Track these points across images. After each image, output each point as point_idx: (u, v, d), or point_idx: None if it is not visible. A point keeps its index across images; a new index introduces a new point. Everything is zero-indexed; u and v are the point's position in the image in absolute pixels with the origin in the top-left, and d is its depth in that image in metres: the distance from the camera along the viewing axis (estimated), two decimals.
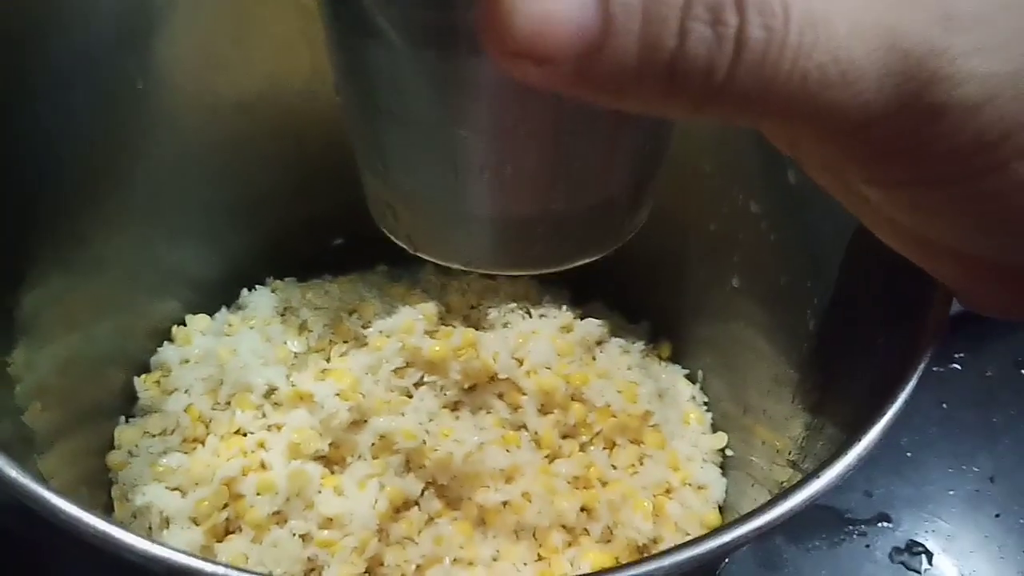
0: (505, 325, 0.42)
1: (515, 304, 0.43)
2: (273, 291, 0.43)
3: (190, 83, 0.36)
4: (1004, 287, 0.19)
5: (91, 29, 0.32)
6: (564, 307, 0.44)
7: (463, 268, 0.22)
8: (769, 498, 0.20)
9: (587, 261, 0.21)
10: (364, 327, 0.40)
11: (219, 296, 0.43)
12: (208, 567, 0.18)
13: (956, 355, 0.51)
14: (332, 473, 0.36)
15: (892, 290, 0.26)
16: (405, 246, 0.22)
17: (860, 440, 0.21)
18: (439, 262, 0.21)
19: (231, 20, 0.36)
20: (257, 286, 0.44)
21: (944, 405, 0.48)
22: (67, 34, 0.31)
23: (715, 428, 0.42)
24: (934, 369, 0.50)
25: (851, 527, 0.43)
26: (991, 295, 0.20)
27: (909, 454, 0.46)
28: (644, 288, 0.44)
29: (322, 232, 0.45)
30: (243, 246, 0.43)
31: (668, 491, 0.38)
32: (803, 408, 0.31)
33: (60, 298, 0.34)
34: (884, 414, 0.21)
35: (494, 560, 0.34)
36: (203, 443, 0.37)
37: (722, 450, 0.40)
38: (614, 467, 0.38)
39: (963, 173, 0.16)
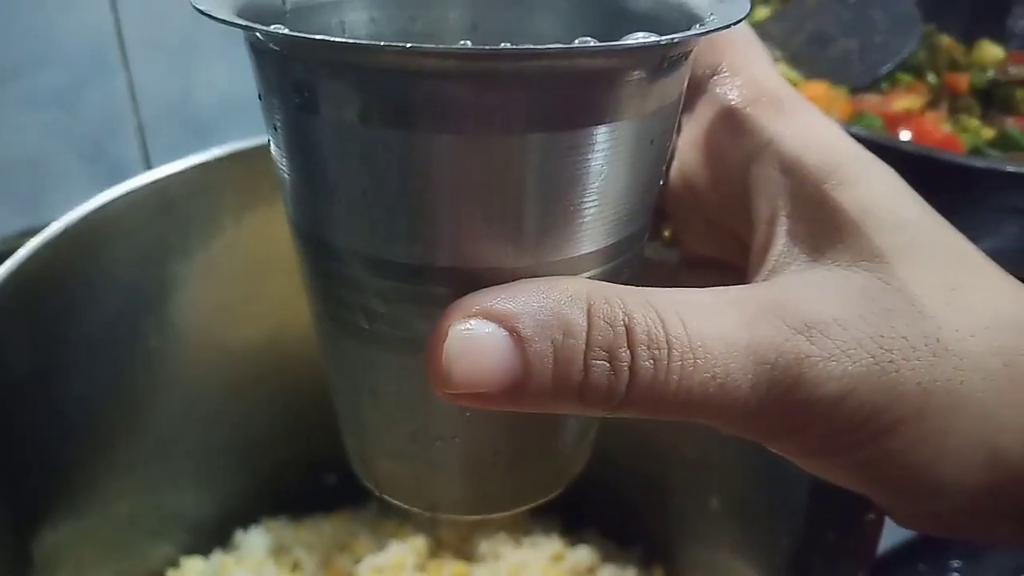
0: (496, 556, 0.42)
1: (505, 534, 0.44)
2: (267, 530, 0.44)
3: (200, 338, 0.40)
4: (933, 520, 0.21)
5: (116, 298, 0.36)
6: (554, 535, 0.44)
7: (426, 513, 0.24)
8: None
9: (538, 503, 0.24)
10: (355, 563, 0.40)
11: (214, 536, 0.44)
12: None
13: (954, 563, 0.51)
14: None
15: (847, 508, 0.27)
16: (372, 488, 0.24)
17: None
18: (404, 506, 0.24)
19: (242, 281, 0.39)
20: (251, 525, 0.44)
21: None
22: (97, 304, 0.35)
23: None
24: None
25: None
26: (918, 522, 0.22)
27: None
28: (634, 513, 0.45)
29: (316, 470, 0.46)
30: (239, 486, 0.44)
31: None
32: None
33: (71, 543, 0.35)
34: None
35: None
36: None
37: None
38: None
39: (841, 447, 0.19)
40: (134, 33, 0.64)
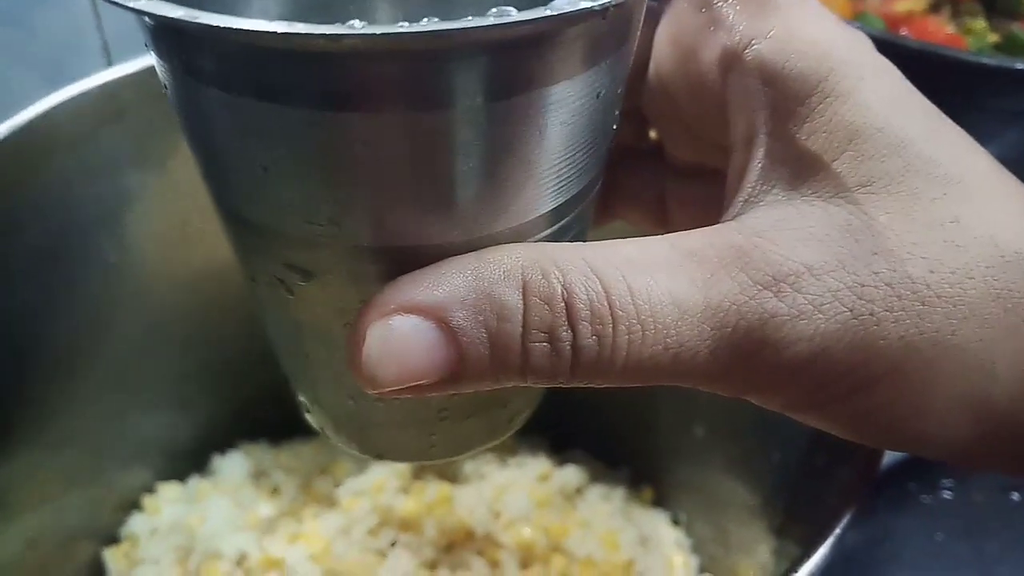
0: (481, 477, 0.41)
1: (491, 454, 0.43)
2: (245, 455, 0.43)
3: (162, 256, 0.38)
4: None
5: (67, 211, 0.34)
6: (541, 455, 0.43)
7: (375, 459, 0.23)
8: None
9: (484, 448, 0.23)
10: (336, 487, 0.39)
11: (191, 462, 0.43)
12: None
13: (944, 482, 0.51)
14: None
15: None
16: (318, 431, 0.23)
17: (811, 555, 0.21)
18: (353, 453, 0.23)
19: (206, 196, 0.37)
20: (229, 451, 0.43)
21: (937, 536, 0.47)
22: (45, 217, 0.33)
23: (703, 570, 0.40)
24: (923, 499, 0.50)
25: None
26: None
27: None
28: (622, 433, 0.44)
29: (292, 395, 0.45)
30: (214, 412, 0.43)
31: None
32: (770, 533, 0.31)
33: (29, 474, 0.34)
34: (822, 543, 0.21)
35: None
36: None
37: None
38: None
39: (814, 404, 0.17)
40: None
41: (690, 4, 0.20)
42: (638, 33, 0.18)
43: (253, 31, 0.13)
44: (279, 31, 0.13)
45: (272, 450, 0.43)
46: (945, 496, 0.49)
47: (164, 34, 0.16)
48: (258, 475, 0.42)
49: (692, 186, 0.23)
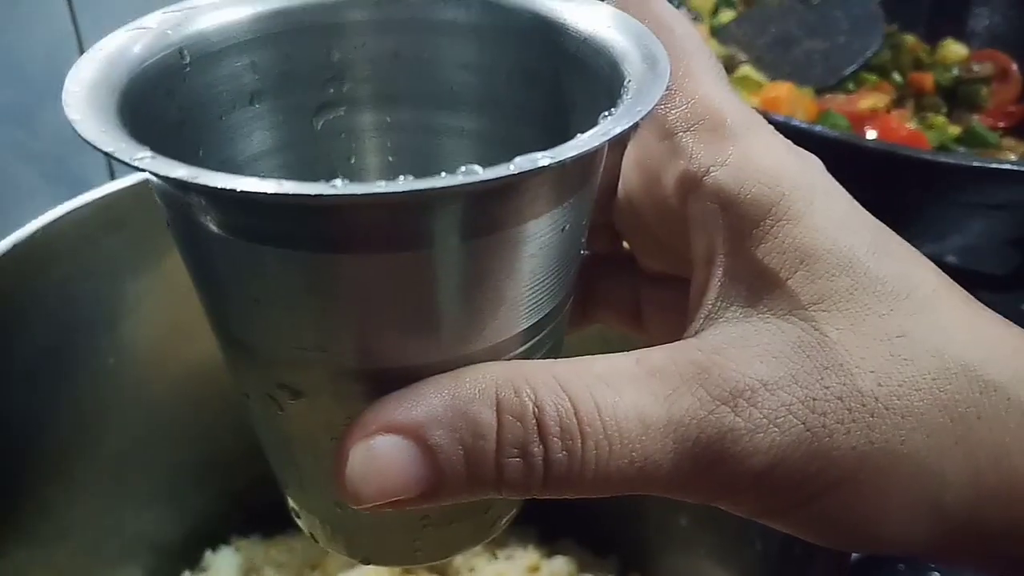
0: (471, 570, 0.42)
1: (481, 547, 0.43)
2: (237, 550, 0.43)
3: (159, 355, 0.39)
4: None
5: (69, 313, 0.35)
6: (530, 546, 0.44)
7: (362, 563, 0.24)
8: None
9: (473, 548, 0.24)
10: None
11: (182, 559, 0.43)
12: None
13: (933, 565, 0.51)
14: None
15: None
16: (307, 534, 0.24)
17: None
18: (342, 555, 0.23)
19: (198, 301, 0.39)
20: (221, 546, 0.43)
21: None
22: (47, 318, 0.34)
23: None
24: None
25: None
26: None
27: None
28: (610, 523, 0.45)
29: (284, 501, 0.45)
30: (206, 506, 0.43)
31: None
32: None
33: (23, 571, 0.34)
34: None
35: None
36: None
37: None
38: None
39: (775, 510, 0.19)
40: None
41: (653, 133, 0.21)
42: (600, 170, 0.19)
43: (248, 192, 0.14)
44: (269, 191, 0.14)
45: (263, 544, 0.44)
46: None
47: (164, 185, 0.17)
48: (249, 571, 0.42)
49: (664, 292, 0.25)
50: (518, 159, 0.15)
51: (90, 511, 0.38)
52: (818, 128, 0.41)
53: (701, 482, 0.18)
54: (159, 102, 0.19)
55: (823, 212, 0.19)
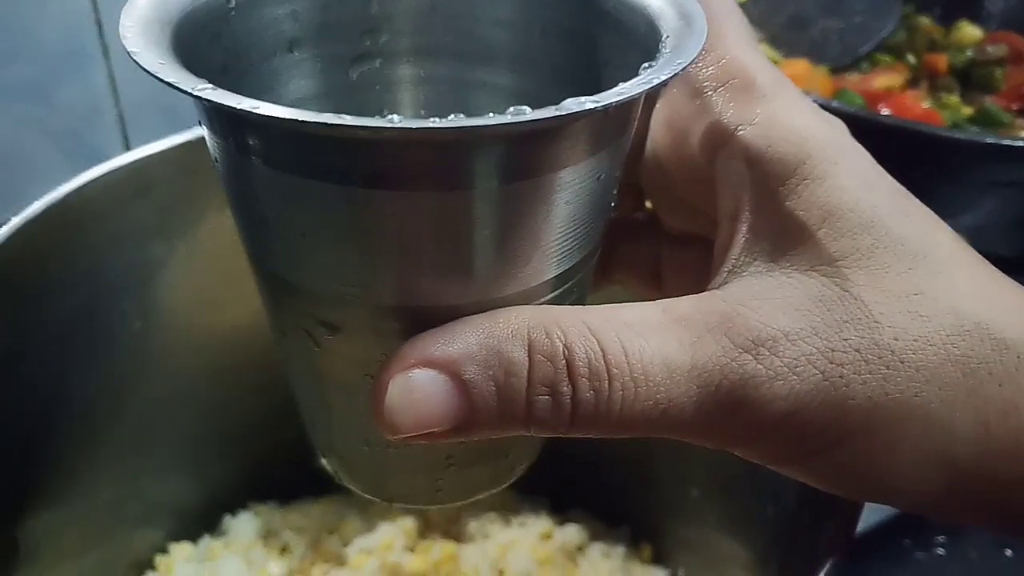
0: (485, 536, 0.42)
1: (494, 514, 0.44)
2: (255, 515, 0.44)
3: (183, 322, 0.39)
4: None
5: (96, 280, 0.35)
6: (543, 514, 0.44)
7: (385, 503, 0.25)
8: None
9: (492, 492, 0.24)
10: (345, 546, 0.40)
11: (202, 523, 0.44)
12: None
13: (938, 539, 0.51)
14: None
15: None
16: (333, 476, 0.25)
17: None
18: (366, 496, 0.24)
19: (224, 264, 0.39)
20: (239, 511, 0.44)
21: None
22: (75, 285, 0.35)
23: None
24: (917, 555, 0.50)
25: None
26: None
27: None
28: (621, 493, 0.45)
29: (304, 455, 0.46)
30: (226, 473, 0.44)
31: None
32: None
33: (53, 530, 0.35)
34: None
35: None
36: None
37: None
38: None
39: (793, 458, 0.19)
40: (114, 21, 0.63)
41: (683, 91, 0.22)
42: (635, 122, 0.20)
43: (304, 121, 0.15)
44: (328, 122, 0.15)
45: (281, 510, 0.44)
46: (939, 552, 0.50)
47: (218, 116, 0.18)
48: (268, 535, 0.43)
49: (685, 253, 0.25)
50: (566, 101, 0.15)
51: (114, 476, 0.39)
52: (834, 103, 0.42)
53: (722, 427, 0.19)
54: (205, 44, 0.20)
55: (847, 172, 0.20)
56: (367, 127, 0.15)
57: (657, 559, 0.45)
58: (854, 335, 0.18)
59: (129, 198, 0.35)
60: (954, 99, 0.59)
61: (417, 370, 0.17)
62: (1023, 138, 0.54)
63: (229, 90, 0.16)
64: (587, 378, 0.18)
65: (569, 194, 0.18)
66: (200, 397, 0.41)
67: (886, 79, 0.57)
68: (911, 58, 0.64)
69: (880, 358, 0.18)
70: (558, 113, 0.15)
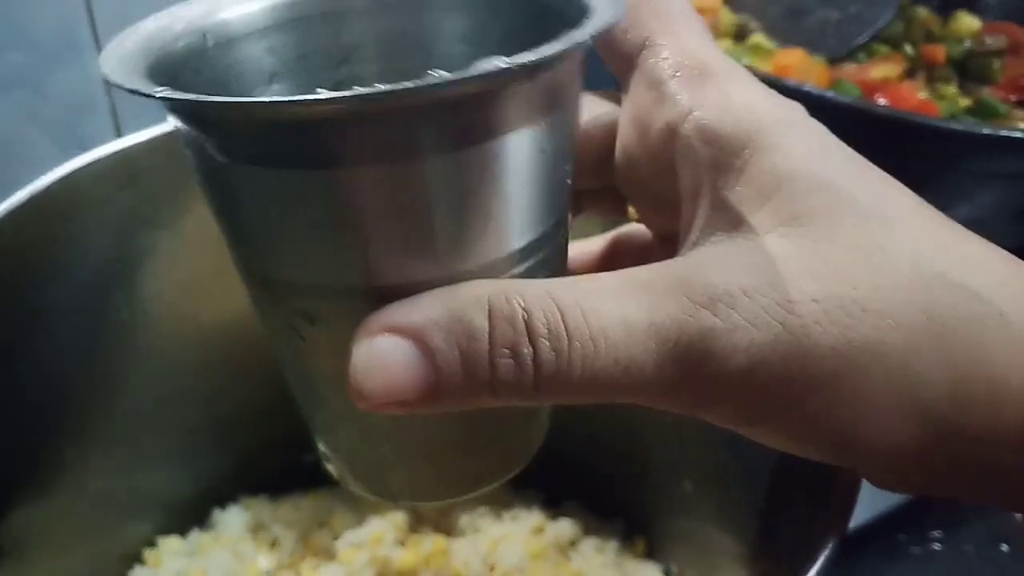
0: (477, 530, 0.42)
1: (486, 508, 0.44)
2: (244, 508, 0.44)
3: (173, 312, 0.39)
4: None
5: (84, 270, 0.35)
6: (535, 508, 0.44)
7: (388, 501, 0.25)
8: None
9: (496, 484, 0.24)
10: (335, 540, 0.40)
11: (191, 516, 0.43)
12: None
13: (934, 533, 0.51)
14: None
15: (814, 474, 0.27)
16: (335, 477, 0.25)
17: None
18: (371, 497, 0.24)
19: (214, 254, 0.39)
20: (229, 504, 0.44)
21: None
22: (63, 276, 0.34)
23: None
24: (912, 550, 0.50)
25: None
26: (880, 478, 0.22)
27: None
28: (614, 487, 0.45)
29: (294, 448, 0.46)
30: (215, 465, 0.44)
31: None
32: None
33: (43, 523, 0.35)
34: None
35: None
36: None
37: None
38: None
39: (762, 415, 0.19)
40: (106, 12, 0.63)
41: (643, 85, 0.22)
42: (574, 97, 0.20)
43: (234, 103, 0.16)
44: (254, 101, 0.16)
45: (271, 503, 0.44)
46: (935, 547, 0.50)
47: (176, 113, 0.19)
48: (257, 528, 0.42)
49: (673, 249, 0.25)
50: (479, 63, 0.17)
51: (103, 468, 0.39)
52: (830, 94, 0.42)
53: (684, 385, 0.19)
54: (189, 78, 0.21)
55: (799, 141, 0.20)
56: (293, 102, 0.16)
57: (650, 553, 0.44)
58: (812, 286, 0.18)
59: (116, 187, 0.35)
60: (951, 90, 0.58)
61: (381, 336, 0.18)
62: (1021, 129, 0.53)
63: None
64: (547, 339, 0.18)
65: (515, 163, 0.19)
66: (190, 388, 0.41)
67: (883, 69, 0.57)
68: (908, 49, 0.64)
69: (841, 307, 0.18)
70: (470, 74, 0.16)
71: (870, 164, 0.21)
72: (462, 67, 0.24)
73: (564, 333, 0.18)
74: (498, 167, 0.18)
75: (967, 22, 0.66)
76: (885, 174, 0.20)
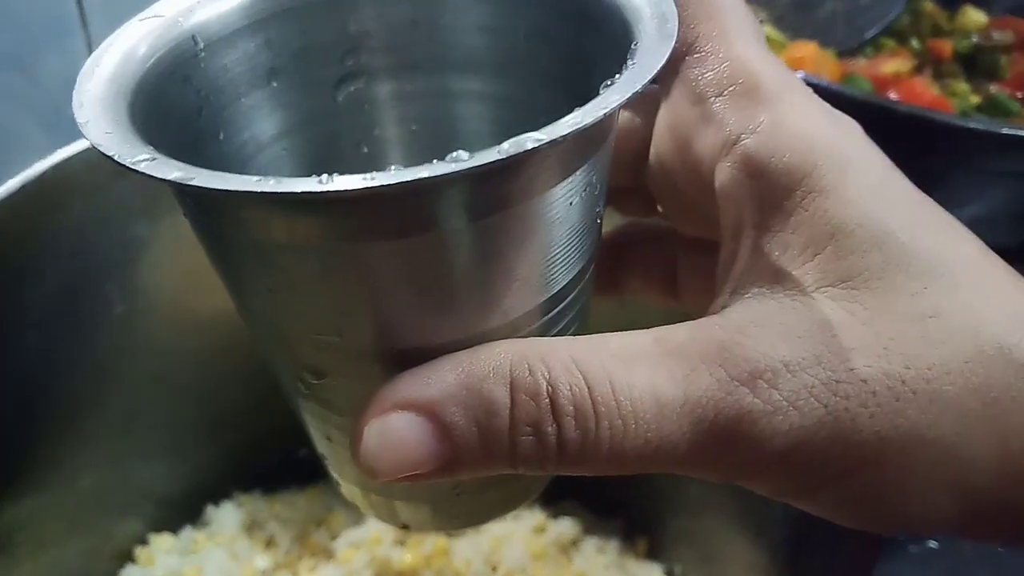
0: (477, 530, 0.41)
1: None
2: (239, 506, 0.43)
3: (167, 305, 0.38)
4: None
5: (79, 260, 0.34)
6: (536, 507, 0.43)
7: (403, 529, 0.24)
8: None
9: (508, 514, 0.24)
10: (333, 539, 0.39)
11: (183, 513, 0.43)
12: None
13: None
14: None
15: None
16: (350, 502, 0.24)
17: None
18: (384, 522, 0.24)
19: None
20: (223, 501, 0.43)
21: None
22: (58, 265, 0.33)
23: None
24: (911, 550, 0.50)
25: None
26: None
27: None
28: (616, 483, 0.44)
29: (289, 444, 0.45)
30: (209, 460, 0.43)
31: None
32: None
33: (34, 518, 0.34)
34: None
35: None
36: None
37: None
38: None
39: (795, 492, 0.18)
40: None
41: (684, 97, 0.20)
42: (611, 136, 0.19)
43: (239, 191, 0.14)
44: (257, 191, 0.14)
45: (266, 500, 0.43)
46: (932, 546, 0.50)
47: (178, 192, 0.17)
48: (252, 526, 0.42)
49: (700, 258, 0.24)
50: (506, 143, 0.15)
51: (96, 462, 0.38)
52: (847, 90, 0.40)
53: (719, 463, 0.17)
54: (176, 90, 0.19)
55: (856, 183, 0.18)
56: (295, 192, 0.14)
57: (652, 554, 0.44)
58: (861, 364, 0.17)
59: (112, 176, 0.33)
60: (963, 87, 0.58)
61: (394, 414, 0.17)
62: None
63: (208, 130, 0.16)
64: (572, 417, 0.17)
65: (542, 223, 0.17)
66: (185, 382, 0.40)
67: (895, 64, 0.56)
68: (915, 43, 0.63)
69: (890, 389, 0.17)
70: (495, 159, 0.14)
71: (932, 204, 0.19)
72: (485, 60, 0.22)
73: (591, 411, 0.17)
74: (523, 230, 0.17)
75: (974, 16, 0.65)
76: (949, 217, 0.19)
